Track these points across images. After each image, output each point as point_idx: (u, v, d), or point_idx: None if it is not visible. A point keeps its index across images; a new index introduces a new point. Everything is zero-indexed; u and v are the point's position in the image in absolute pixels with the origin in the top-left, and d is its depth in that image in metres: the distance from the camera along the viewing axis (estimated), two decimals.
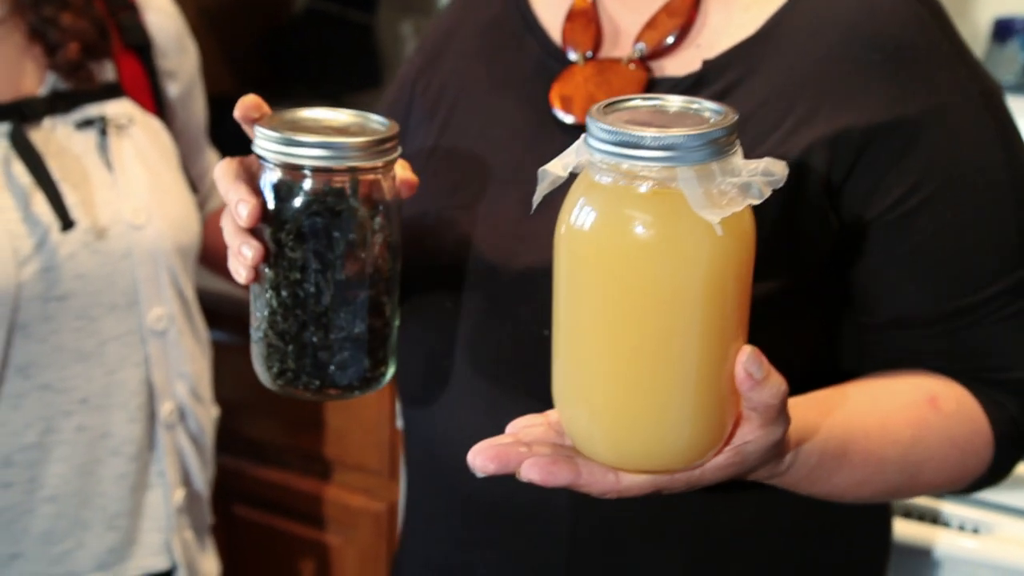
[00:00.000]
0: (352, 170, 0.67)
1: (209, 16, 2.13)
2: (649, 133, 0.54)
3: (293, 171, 0.67)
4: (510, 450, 0.58)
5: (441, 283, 0.81)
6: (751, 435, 0.59)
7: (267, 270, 0.69)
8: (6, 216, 1.01)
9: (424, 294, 0.82)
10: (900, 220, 0.72)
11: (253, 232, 0.68)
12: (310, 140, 0.66)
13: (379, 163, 0.68)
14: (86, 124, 1.09)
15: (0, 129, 1.04)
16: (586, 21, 0.82)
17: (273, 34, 2.27)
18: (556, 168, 0.58)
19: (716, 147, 0.54)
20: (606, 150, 0.55)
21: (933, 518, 1.23)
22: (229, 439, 1.66)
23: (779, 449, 0.62)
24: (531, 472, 0.57)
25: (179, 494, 1.15)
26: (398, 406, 1.60)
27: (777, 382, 0.57)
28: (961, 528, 1.22)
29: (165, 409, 1.13)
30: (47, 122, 1.07)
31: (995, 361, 0.74)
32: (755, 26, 0.75)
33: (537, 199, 0.59)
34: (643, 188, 0.55)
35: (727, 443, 0.59)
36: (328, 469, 1.74)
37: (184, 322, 1.14)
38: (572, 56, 0.81)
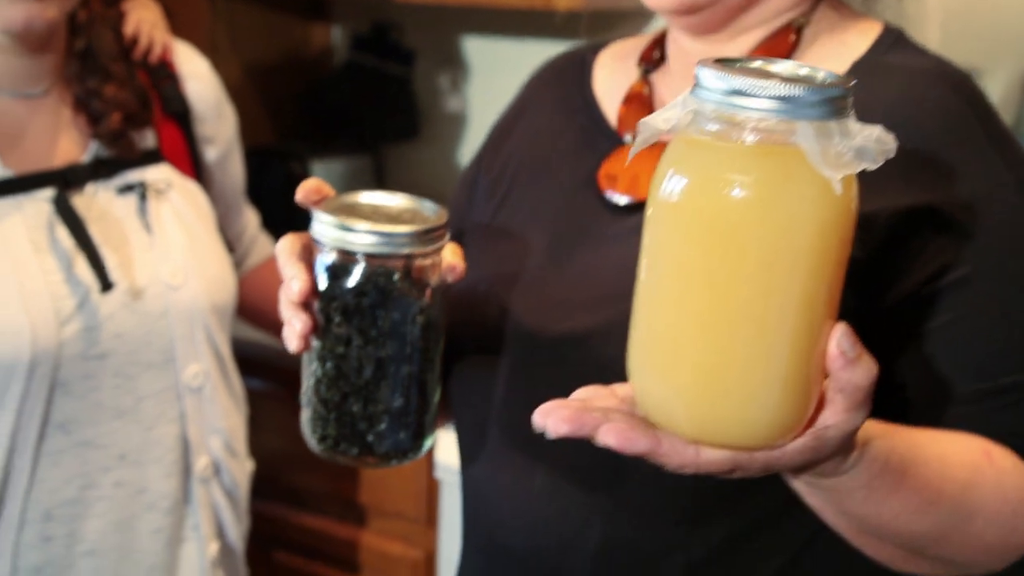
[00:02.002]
0: (401, 256, 0.71)
1: (253, 70, 2.19)
2: (772, 83, 0.51)
3: (346, 255, 0.71)
4: (584, 414, 0.55)
5: (485, 351, 0.84)
6: (833, 419, 0.56)
7: (315, 341, 0.73)
8: (49, 278, 1.06)
9: (470, 361, 0.85)
10: (931, 297, 0.71)
11: (305, 305, 0.72)
12: (363, 228, 0.70)
13: (427, 250, 0.72)
14: (127, 189, 1.14)
15: (45, 195, 1.09)
16: (640, 105, 0.85)
17: (314, 86, 2.32)
18: (657, 121, 0.55)
19: (836, 106, 0.52)
20: (720, 100, 0.52)
21: None
22: (269, 487, 1.70)
23: (852, 440, 0.59)
24: (608, 437, 0.54)
25: (213, 547, 1.18)
26: (436, 456, 1.62)
27: (868, 364, 0.55)
28: None
29: (200, 464, 1.16)
30: (90, 187, 1.12)
31: None
32: None
33: (635, 151, 0.58)
34: (750, 140, 0.52)
35: (808, 426, 0.56)
36: (366, 516, 1.77)
37: (219, 378, 1.18)
38: (627, 138, 0.84)
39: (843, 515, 0.67)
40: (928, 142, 0.72)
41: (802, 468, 0.59)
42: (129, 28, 1.20)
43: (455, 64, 2.26)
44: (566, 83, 0.92)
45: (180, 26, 1.29)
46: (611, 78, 0.90)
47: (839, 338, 0.54)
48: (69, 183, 1.10)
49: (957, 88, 0.75)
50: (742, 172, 0.52)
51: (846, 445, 0.59)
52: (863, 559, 0.75)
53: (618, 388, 0.60)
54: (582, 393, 0.59)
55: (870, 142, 0.52)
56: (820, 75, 0.56)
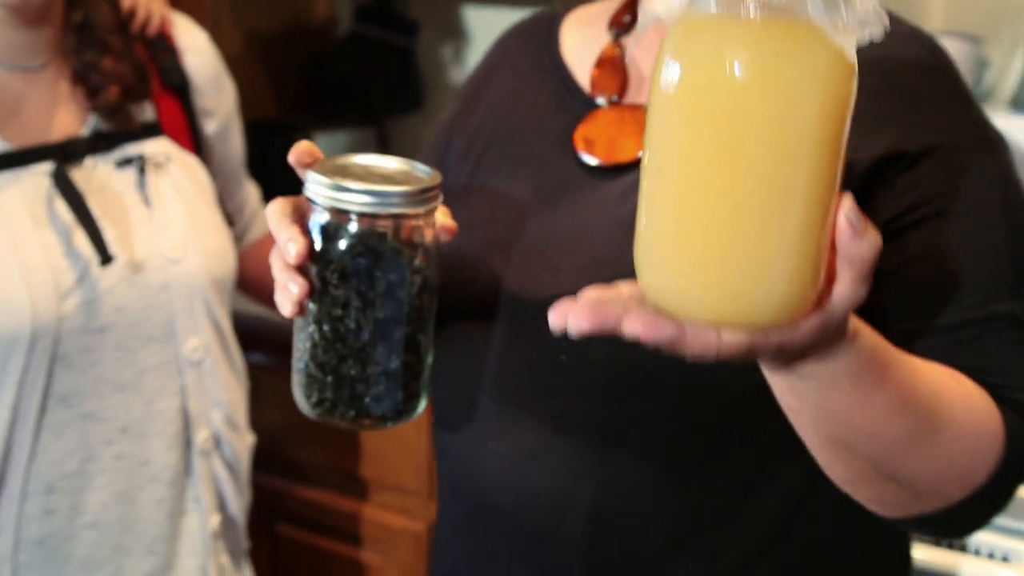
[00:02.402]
0: (395, 216, 0.71)
1: (255, 42, 2.18)
2: None
3: (340, 214, 0.71)
4: (605, 307, 0.55)
5: (472, 314, 0.85)
6: (840, 293, 0.57)
7: (311, 305, 0.73)
8: (49, 252, 1.06)
9: (456, 324, 0.86)
10: (896, 234, 0.74)
11: (299, 269, 0.72)
12: (357, 187, 0.70)
13: (421, 210, 0.72)
14: (126, 163, 1.14)
15: (44, 168, 1.08)
16: (613, 68, 0.86)
17: (317, 58, 2.31)
18: (658, 6, 0.56)
19: None
20: None
21: (960, 545, 1.22)
22: (270, 460, 1.71)
23: (846, 326, 0.61)
24: (635, 326, 0.54)
25: (215, 519, 1.19)
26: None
27: (874, 235, 0.56)
28: (990, 556, 1.21)
29: (200, 437, 1.16)
30: (89, 161, 1.12)
31: (1000, 379, 0.74)
32: None
33: (635, 39, 0.58)
34: (755, 14, 0.52)
35: (818, 306, 0.57)
36: (368, 490, 1.78)
37: (220, 352, 1.18)
38: (599, 100, 0.85)
39: (825, 413, 0.66)
40: (902, 97, 0.76)
41: (809, 348, 0.59)
42: (127, 0, 1.20)
43: (458, 35, 2.25)
44: (534, 47, 0.93)
45: None
46: (580, 42, 0.91)
47: (847, 210, 0.55)
48: (68, 157, 1.10)
49: (929, 50, 0.79)
50: (748, 48, 0.52)
51: (845, 326, 0.60)
52: (844, 523, 0.76)
53: (622, 287, 0.60)
54: (591, 293, 0.58)
55: (869, 12, 0.53)
56: None
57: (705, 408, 0.78)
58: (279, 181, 1.75)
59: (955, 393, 0.70)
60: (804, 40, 0.52)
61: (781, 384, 0.66)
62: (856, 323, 0.62)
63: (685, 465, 0.79)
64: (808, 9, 0.52)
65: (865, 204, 0.73)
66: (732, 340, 0.56)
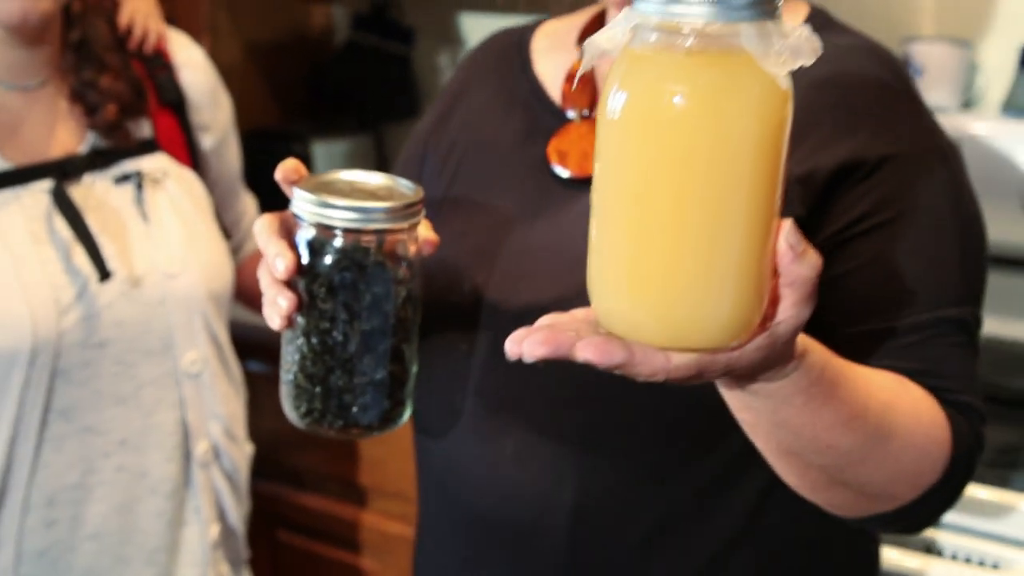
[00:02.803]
0: (379, 231, 0.73)
1: (253, 52, 2.20)
2: None
3: (326, 230, 0.73)
4: (559, 334, 0.57)
5: (451, 323, 0.87)
6: (783, 314, 0.59)
7: (299, 318, 0.75)
8: (48, 268, 1.07)
9: (439, 334, 0.88)
10: (850, 240, 0.76)
11: (287, 283, 0.74)
12: (342, 203, 0.72)
13: (404, 225, 0.74)
14: (124, 179, 1.15)
15: (43, 186, 1.10)
16: (583, 83, 0.88)
17: (315, 67, 2.33)
18: (600, 40, 0.58)
19: (770, 7, 0.54)
20: (662, 9, 0.54)
21: (926, 547, 1.24)
22: (270, 467, 1.72)
23: (794, 346, 0.62)
24: (586, 351, 0.55)
25: (214, 530, 1.20)
26: None
27: (814, 257, 0.58)
28: (980, 564, 1.22)
29: (200, 448, 1.18)
30: (87, 178, 1.14)
31: (946, 382, 0.76)
32: None
33: (582, 70, 0.61)
34: (692, 46, 0.54)
35: (762, 328, 0.59)
36: (367, 496, 1.79)
37: (218, 364, 1.20)
38: (570, 114, 0.87)
39: (778, 428, 0.68)
40: (860, 110, 0.78)
41: (757, 368, 0.61)
42: (123, 18, 1.21)
43: (454, 42, 2.26)
44: (506, 62, 0.95)
45: (180, 9, 1.29)
46: (551, 58, 0.93)
47: (786, 233, 0.57)
48: (67, 174, 1.12)
49: (885, 63, 0.81)
50: (686, 80, 0.54)
51: (792, 345, 0.61)
52: (816, 514, 0.78)
53: (576, 312, 0.62)
54: (546, 319, 0.61)
55: (802, 41, 0.55)
56: None
57: (681, 410, 0.80)
58: (278, 189, 1.77)
59: (904, 403, 0.73)
60: (738, 72, 0.54)
61: (736, 401, 0.68)
62: (805, 341, 0.64)
63: (663, 463, 0.82)
64: (742, 40, 0.54)
65: (824, 211, 0.77)
66: (681, 363, 0.57)
